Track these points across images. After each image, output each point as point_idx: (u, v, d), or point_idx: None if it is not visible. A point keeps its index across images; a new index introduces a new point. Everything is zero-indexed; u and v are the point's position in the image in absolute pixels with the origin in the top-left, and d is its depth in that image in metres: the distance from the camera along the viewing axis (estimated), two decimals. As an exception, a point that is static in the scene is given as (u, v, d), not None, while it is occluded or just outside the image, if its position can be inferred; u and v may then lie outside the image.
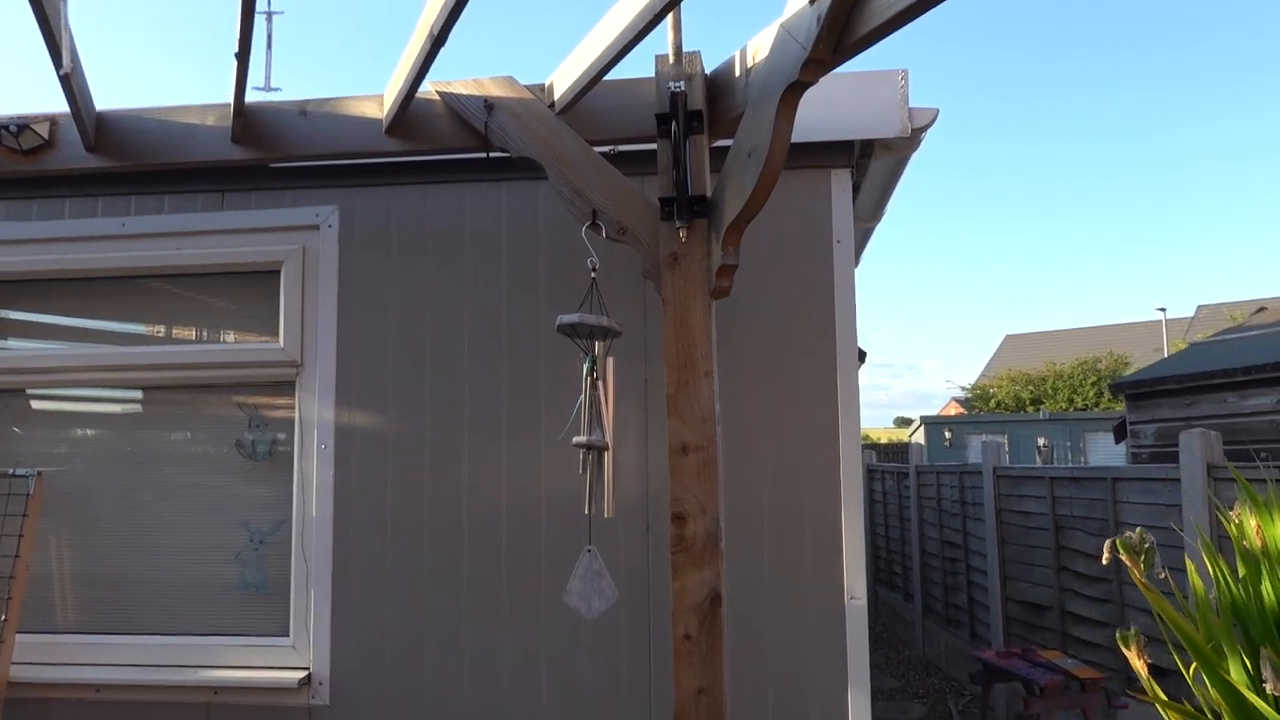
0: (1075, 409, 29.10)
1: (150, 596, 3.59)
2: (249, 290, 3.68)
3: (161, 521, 3.63)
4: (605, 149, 3.17)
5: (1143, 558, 1.79)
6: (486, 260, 3.45)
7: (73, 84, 2.90)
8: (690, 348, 2.72)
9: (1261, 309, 12.91)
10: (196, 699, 3.40)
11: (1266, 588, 1.68)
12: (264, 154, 3.23)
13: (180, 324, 3.83)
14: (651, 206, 2.86)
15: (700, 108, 2.81)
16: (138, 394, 3.77)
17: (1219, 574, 1.80)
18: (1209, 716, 1.72)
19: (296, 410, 3.50)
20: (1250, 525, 1.78)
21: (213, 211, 3.63)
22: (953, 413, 35.93)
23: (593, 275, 2.86)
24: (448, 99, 3.08)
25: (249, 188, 3.61)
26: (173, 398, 3.72)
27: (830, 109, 3.20)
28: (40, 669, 3.45)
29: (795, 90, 2.31)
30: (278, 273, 3.56)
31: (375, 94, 3.16)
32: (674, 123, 2.78)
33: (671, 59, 2.82)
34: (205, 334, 3.81)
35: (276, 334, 3.54)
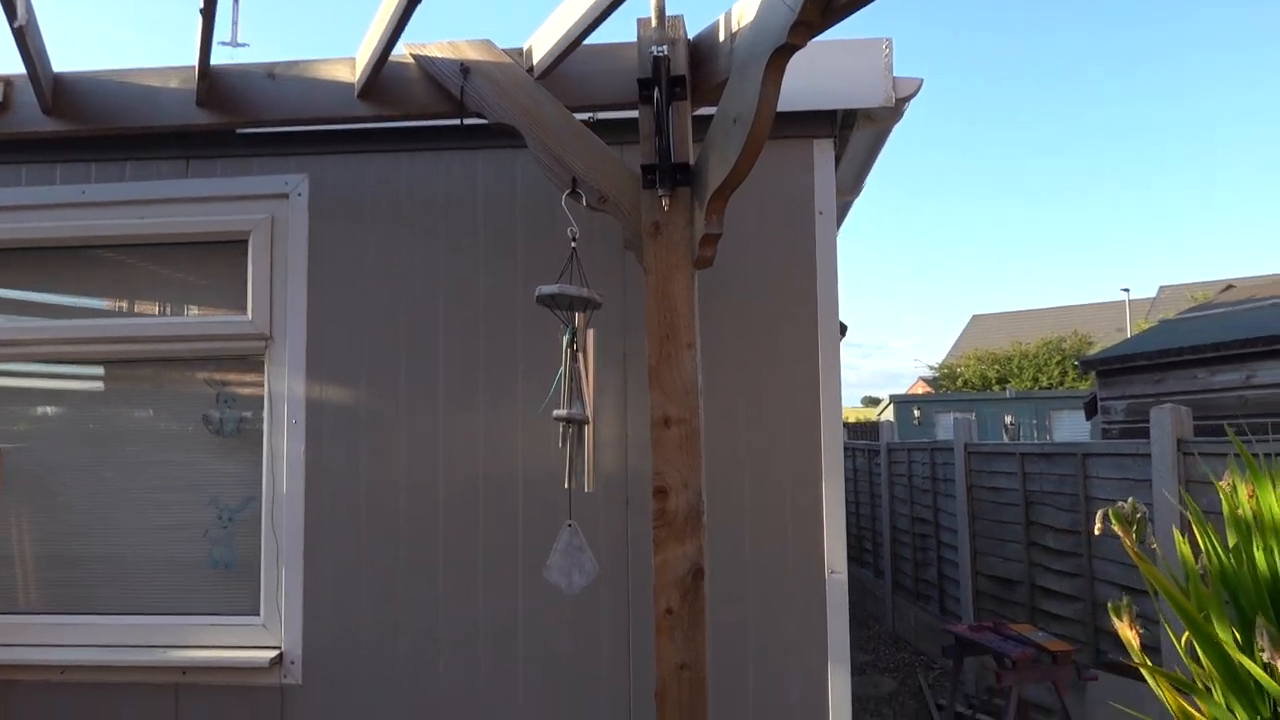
0: (1040, 388, 29.52)
1: (115, 576, 3.50)
2: (215, 261, 3.57)
3: (127, 499, 3.53)
4: (585, 116, 3.10)
5: (1134, 528, 1.78)
6: (463, 230, 3.37)
7: (28, 40, 2.77)
8: (672, 319, 2.67)
9: (1229, 286, 13.11)
10: (164, 679, 3.32)
11: (1260, 557, 1.68)
12: (230, 118, 3.12)
13: (144, 296, 3.71)
14: (633, 175, 2.80)
15: (683, 73, 2.74)
16: (101, 369, 3.65)
17: (1209, 544, 1.80)
18: (1199, 686, 1.72)
19: (266, 385, 3.41)
20: (1244, 492, 1.77)
21: (177, 179, 3.51)
22: (921, 392, 36.28)
23: (573, 245, 2.80)
24: (422, 63, 2.98)
25: (215, 155, 3.49)
26: (138, 373, 3.62)
27: (814, 78, 3.15)
28: (1, 651, 3.35)
29: (783, 54, 2.26)
30: (245, 243, 3.45)
31: (347, 57, 3.05)
32: (656, 88, 2.71)
33: (654, 23, 2.74)
34: (170, 307, 3.69)
35: (244, 307, 3.45)
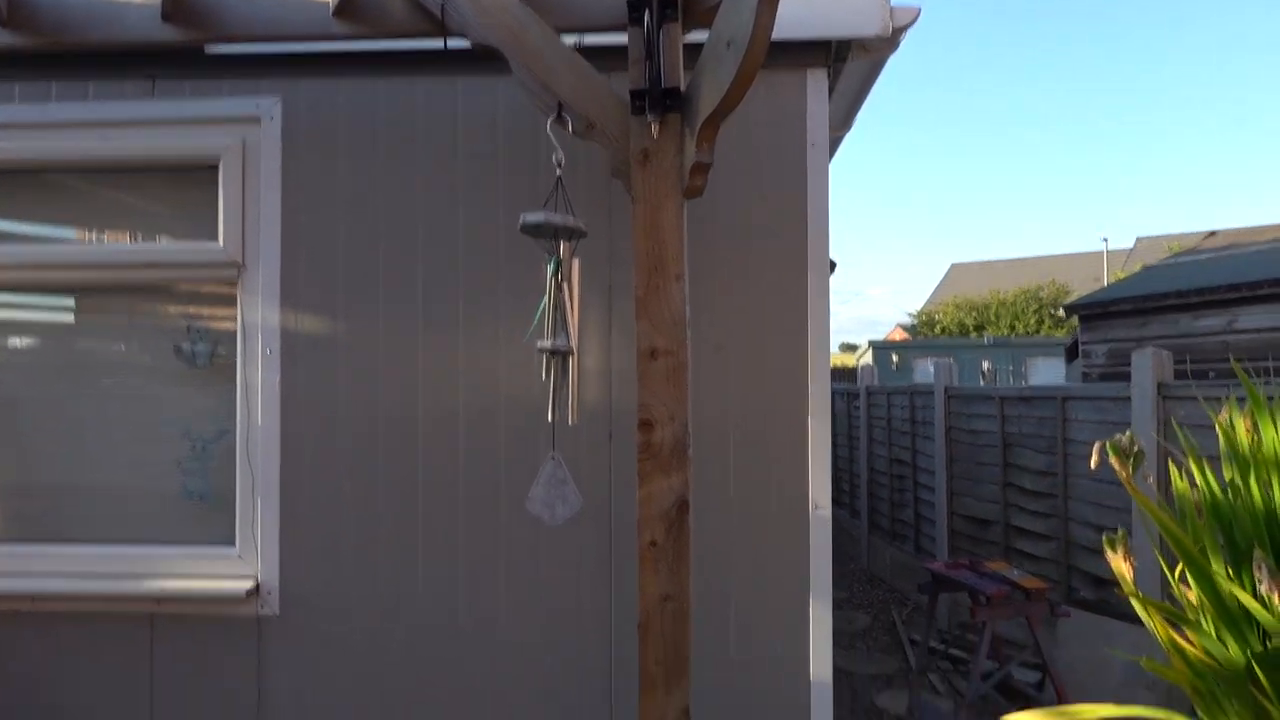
0: (1017, 335, 29.75)
1: (86, 505, 3.43)
2: (185, 186, 3.44)
3: (98, 429, 3.45)
4: (572, 39, 2.97)
5: (1131, 460, 1.76)
6: (441, 157, 3.26)
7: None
8: (661, 249, 2.60)
9: (1213, 233, 13.14)
10: (139, 609, 3.28)
11: (1256, 490, 1.67)
12: (197, 34, 2.98)
13: (110, 223, 3.58)
14: (621, 101, 2.69)
15: (675, -8, 2.63)
16: (69, 299, 3.54)
17: (1204, 480, 1.78)
18: (1190, 618, 1.71)
19: (239, 314, 3.32)
20: (1242, 426, 1.75)
21: (142, 100, 3.36)
22: (899, 339, 36.46)
23: (558, 172, 2.70)
24: (401, -23, 2.85)
25: (182, 75, 3.34)
26: (107, 304, 3.50)
27: (809, 4, 3.05)
28: (-30, 581, 3.29)
29: (781, -30, 2.16)
30: (215, 168, 3.33)
31: (322, -30, 2.91)
32: (647, 9, 2.60)
33: (645, -62, 2.62)
34: (138, 234, 3.57)
35: (215, 234, 3.33)
